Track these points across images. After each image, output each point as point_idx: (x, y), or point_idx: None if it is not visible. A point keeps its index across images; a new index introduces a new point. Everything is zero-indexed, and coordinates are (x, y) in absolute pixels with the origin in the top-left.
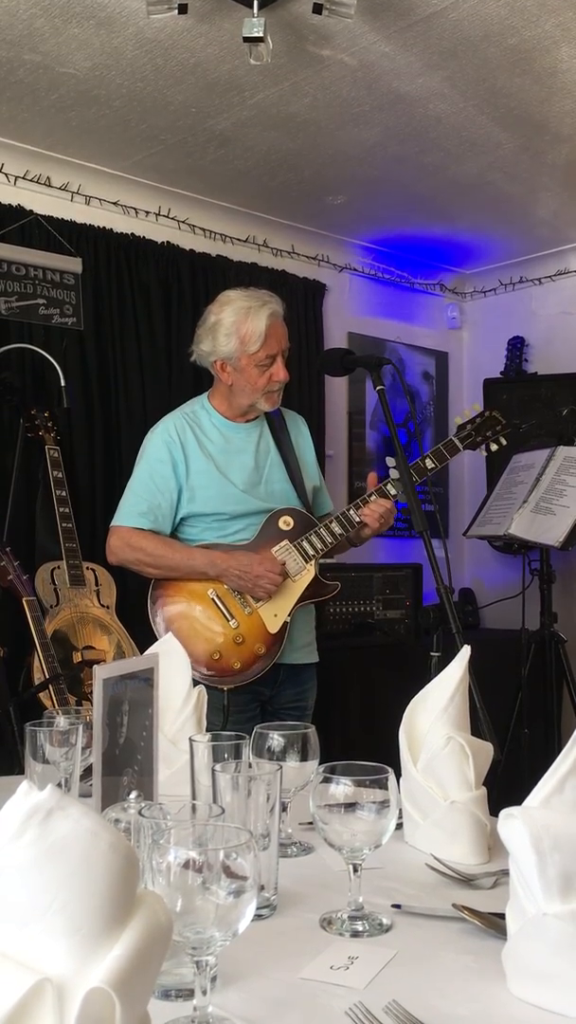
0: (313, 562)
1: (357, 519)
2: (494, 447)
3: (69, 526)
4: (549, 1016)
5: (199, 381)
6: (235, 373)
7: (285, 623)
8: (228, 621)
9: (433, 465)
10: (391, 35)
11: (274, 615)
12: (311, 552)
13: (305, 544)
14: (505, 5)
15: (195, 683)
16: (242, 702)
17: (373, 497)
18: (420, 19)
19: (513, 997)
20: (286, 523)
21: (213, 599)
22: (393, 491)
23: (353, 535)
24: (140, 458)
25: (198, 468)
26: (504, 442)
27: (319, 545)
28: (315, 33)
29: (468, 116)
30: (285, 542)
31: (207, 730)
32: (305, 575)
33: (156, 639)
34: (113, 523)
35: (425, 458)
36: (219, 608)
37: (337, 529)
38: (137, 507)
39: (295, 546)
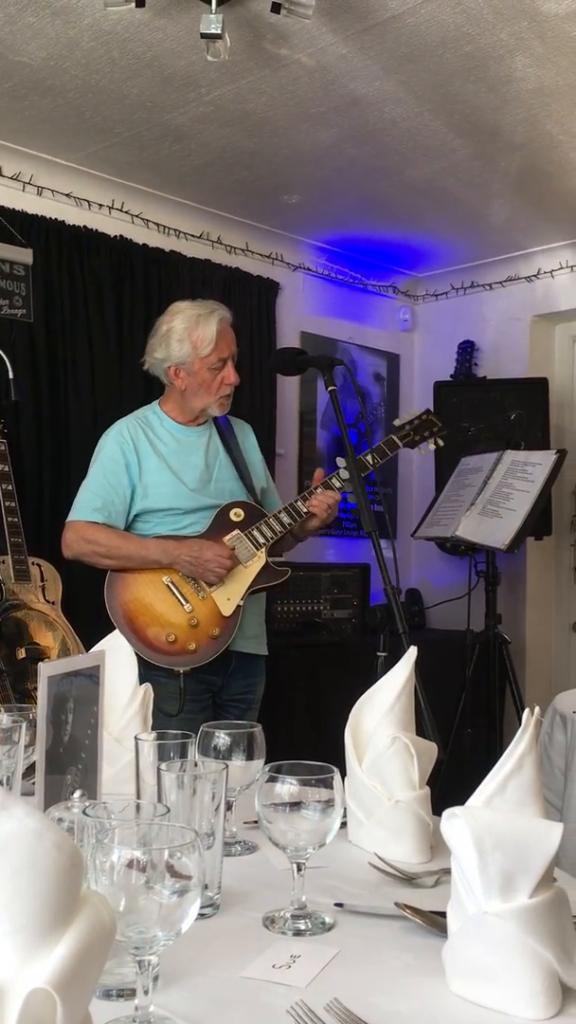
0: (263, 549)
1: (305, 509)
2: (431, 447)
3: (15, 520)
4: (488, 1013)
5: (149, 377)
6: (188, 377)
7: (238, 606)
8: (182, 605)
9: (374, 461)
10: (349, 37)
11: (227, 599)
12: (261, 540)
13: (255, 532)
14: (461, 12)
15: (142, 680)
16: (195, 691)
17: (319, 490)
18: (378, 23)
19: (453, 994)
20: (236, 515)
21: (168, 585)
22: (338, 484)
23: (298, 528)
24: (94, 459)
25: (150, 467)
26: (441, 443)
27: (269, 533)
28: (273, 32)
29: (423, 121)
30: (236, 531)
31: (165, 715)
32: (256, 562)
33: (102, 636)
34: (68, 519)
35: (367, 454)
36: (173, 593)
37: (286, 519)
38: (91, 503)
39: (246, 535)
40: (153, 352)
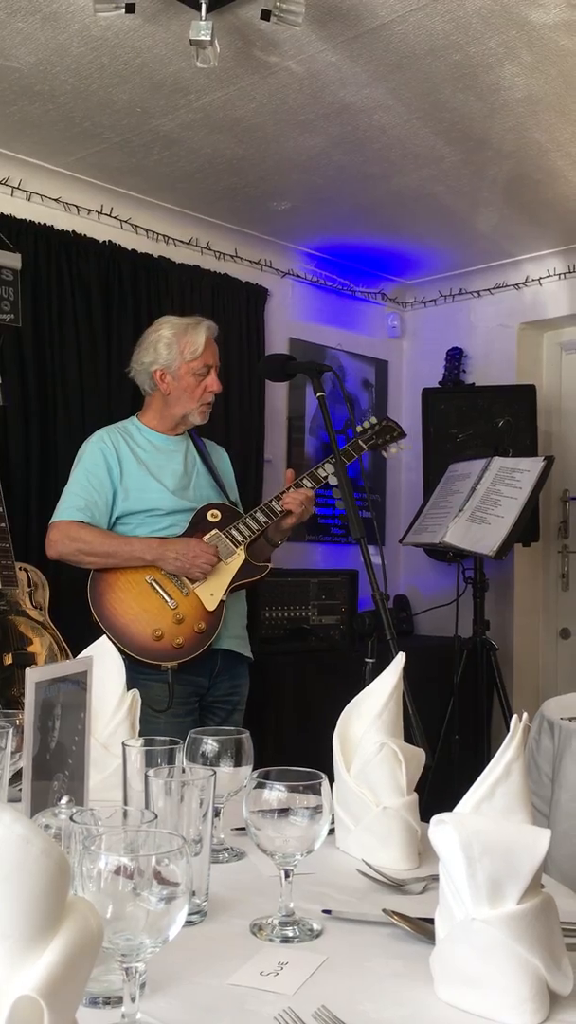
0: (243, 547)
1: (279, 508)
2: (394, 451)
3: (3, 525)
4: (475, 1020)
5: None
6: (173, 381)
7: (222, 601)
8: (167, 602)
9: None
10: (338, 45)
11: (210, 594)
12: (240, 538)
13: (234, 531)
14: (450, 21)
15: (130, 682)
16: (183, 694)
17: (291, 489)
18: (367, 31)
19: (441, 1001)
20: (214, 515)
21: (151, 584)
22: (309, 484)
23: (274, 527)
24: (76, 464)
25: (131, 471)
26: (403, 447)
27: (247, 531)
28: (263, 39)
29: (412, 128)
30: (215, 531)
31: (153, 712)
32: (236, 558)
33: (89, 642)
34: (52, 520)
35: (329, 459)
36: (157, 591)
37: (261, 517)
38: (75, 503)
39: (224, 534)
40: (140, 358)
